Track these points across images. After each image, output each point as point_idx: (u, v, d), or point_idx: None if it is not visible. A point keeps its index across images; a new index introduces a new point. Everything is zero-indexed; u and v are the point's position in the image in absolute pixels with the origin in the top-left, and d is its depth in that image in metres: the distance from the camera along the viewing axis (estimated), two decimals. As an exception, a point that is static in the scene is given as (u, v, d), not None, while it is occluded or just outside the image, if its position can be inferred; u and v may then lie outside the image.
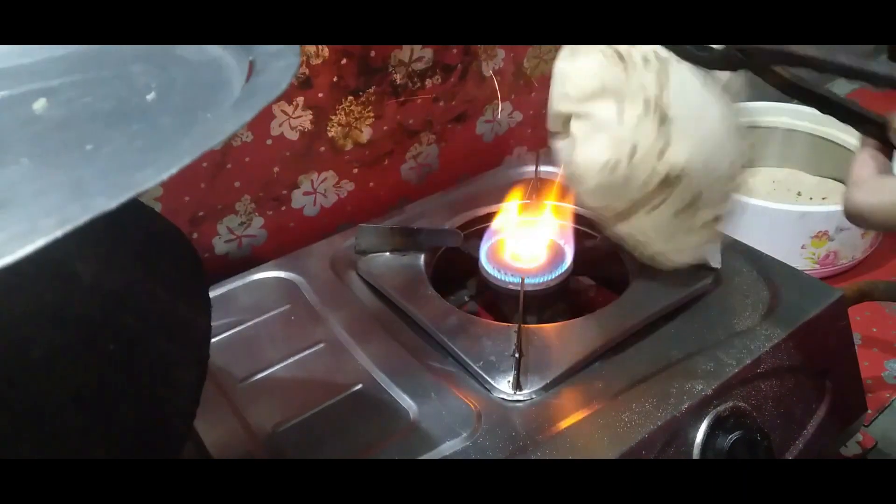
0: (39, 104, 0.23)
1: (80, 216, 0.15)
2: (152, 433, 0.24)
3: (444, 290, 0.58)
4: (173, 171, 0.15)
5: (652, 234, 0.40)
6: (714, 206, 0.39)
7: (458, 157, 0.65)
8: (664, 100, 0.37)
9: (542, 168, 0.61)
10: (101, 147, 0.20)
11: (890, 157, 0.31)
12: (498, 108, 0.65)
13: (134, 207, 0.36)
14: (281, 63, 0.22)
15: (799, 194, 0.76)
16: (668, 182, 0.38)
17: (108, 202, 0.15)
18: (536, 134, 0.70)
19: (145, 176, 0.15)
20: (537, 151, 0.64)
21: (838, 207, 0.63)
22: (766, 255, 0.49)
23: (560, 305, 0.52)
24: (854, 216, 0.30)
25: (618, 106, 0.37)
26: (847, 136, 0.74)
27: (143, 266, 0.29)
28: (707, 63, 0.35)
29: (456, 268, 0.54)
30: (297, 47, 0.23)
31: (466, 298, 0.59)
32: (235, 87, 0.22)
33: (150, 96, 0.23)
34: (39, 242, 0.14)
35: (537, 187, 0.57)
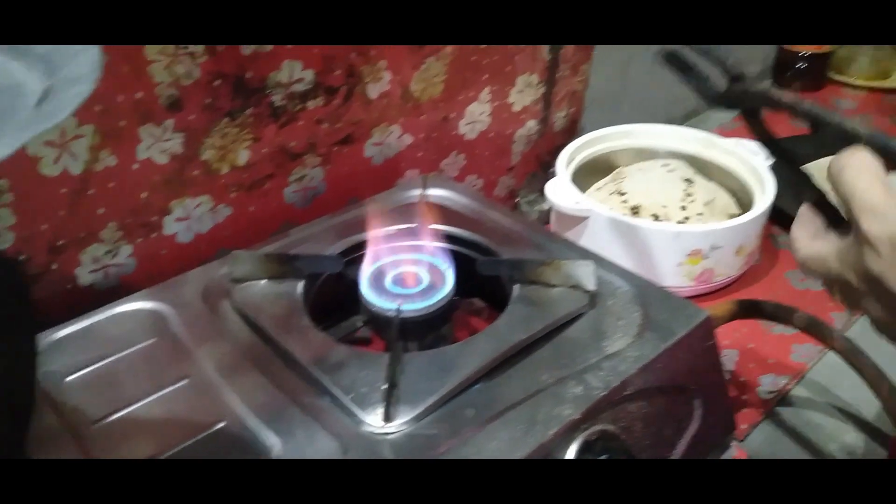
0: None
1: None
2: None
3: (334, 317, 0.57)
4: None
5: None
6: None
7: (346, 180, 0.64)
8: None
9: (431, 191, 0.60)
10: None
11: (825, 220, 0.37)
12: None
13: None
14: (72, 91, 0.20)
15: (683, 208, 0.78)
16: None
17: None
18: (427, 157, 0.70)
19: None
20: (424, 175, 0.64)
21: (711, 227, 0.66)
22: (639, 277, 0.50)
23: (445, 330, 0.52)
24: (801, 268, 0.38)
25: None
26: (729, 158, 0.77)
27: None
28: (711, 98, 0.40)
29: (344, 294, 0.53)
30: (95, 74, 0.21)
31: (359, 324, 0.58)
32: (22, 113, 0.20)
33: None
34: None
35: (423, 211, 0.57)
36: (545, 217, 0.80)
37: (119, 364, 0.45)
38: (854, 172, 0.31)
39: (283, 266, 0.50)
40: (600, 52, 0.82)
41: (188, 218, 0.55)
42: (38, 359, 0.30)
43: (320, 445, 0.38)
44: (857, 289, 0.33)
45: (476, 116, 0.72)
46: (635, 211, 0.70)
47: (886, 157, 0.32)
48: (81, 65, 0.20)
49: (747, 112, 0.39)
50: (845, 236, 0.34)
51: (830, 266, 0.34)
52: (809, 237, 0.36)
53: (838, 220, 0.36)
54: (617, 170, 0.79)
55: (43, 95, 0.21)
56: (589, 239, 0.68)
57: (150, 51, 0.48)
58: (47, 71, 0.22)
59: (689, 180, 0.73)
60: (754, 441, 0.57)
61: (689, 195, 0.71)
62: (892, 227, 0.30)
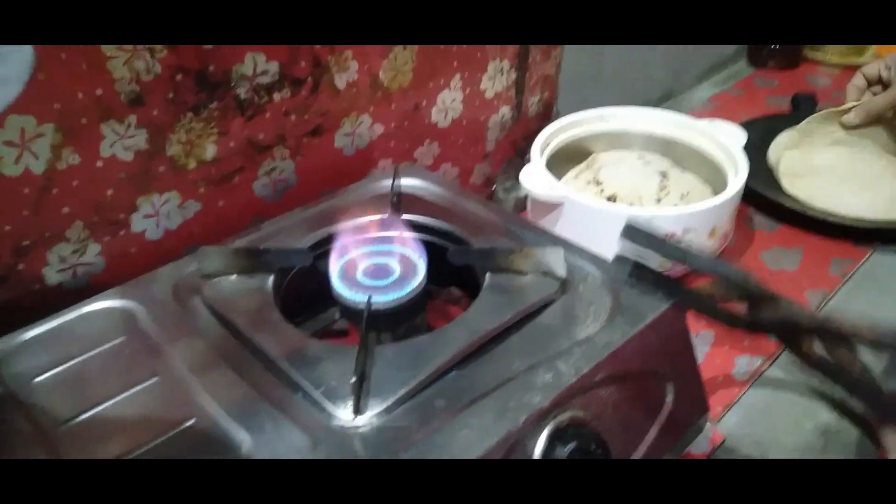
0: None
1: None
2: None
3: (311, 310, 0.57)
4: None
5: None
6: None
7: (318, 172, 0.63)
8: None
9: (403, 181, 0.60)
10: None
11: None
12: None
13: None
14: None
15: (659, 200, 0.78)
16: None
17: None
18: (400, 146, 0.69)
19: None
20: (396, 165, 0.63)
21: (684, 209, 0.66)
22: (609, 262, 0.50)
23: (419, 320, 0.52)
24: None
25: None
26: (703, 139, 0.77)
27: None
28: (726, 321, 0.32)
29: (319, 286, 0.52)
30: (25, 76, 0.21)
31: (337, 316, 0.57)
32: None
33: None
34: None
35: (394, 201, 0.56)
36: (522, 204, 0.80)
37: (88, 363, 0.44)
38: None
39: (253, 260, 0.50)
40: (573, 36, 0.82)
41: (156, 214, 0.54)
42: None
43: (290, 440, 0.38)
44: None
45: (448, 104, 0.71)
46: (612, 200, 0.70)
47: None
48: (10, 66, 0.20)
49: (785, 337, 0.31)
50: None
51: None
52: None
53: None
54: (591, 156, 0.78)
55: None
56: (565, 225, 0.68)
57: (108, 46, 0.47)
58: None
59: (664, 173, 0.73)
60: (729, 422, 0.57)
61: (664, 188, 0.71)
62: None
